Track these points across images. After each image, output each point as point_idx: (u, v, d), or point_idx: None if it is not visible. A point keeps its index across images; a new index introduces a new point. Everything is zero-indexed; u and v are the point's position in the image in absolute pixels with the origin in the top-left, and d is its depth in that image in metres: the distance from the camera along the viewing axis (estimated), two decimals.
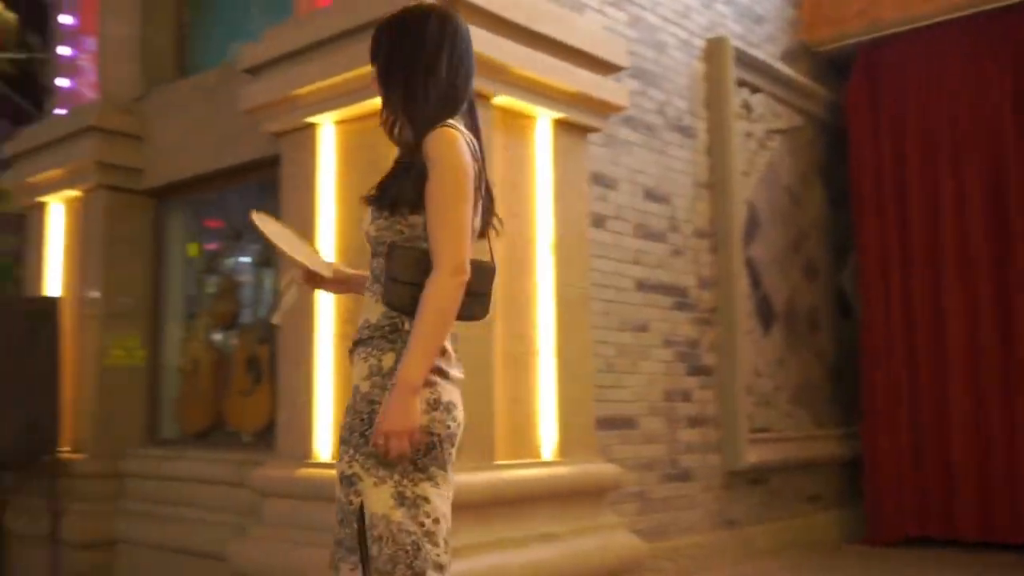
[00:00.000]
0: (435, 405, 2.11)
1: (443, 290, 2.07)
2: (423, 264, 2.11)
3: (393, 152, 2.31)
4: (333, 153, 4.44)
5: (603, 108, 4.77)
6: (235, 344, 5.55)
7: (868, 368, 7.04)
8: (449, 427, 2.13)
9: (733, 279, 6.17)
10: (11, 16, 9.90)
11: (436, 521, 2.09)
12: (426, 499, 2.08)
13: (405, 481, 2.08)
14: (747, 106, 6.59)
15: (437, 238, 2.09)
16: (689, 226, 6.03)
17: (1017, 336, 6.48)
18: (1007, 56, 6.71)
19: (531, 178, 4.46)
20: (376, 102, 2.40)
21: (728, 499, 6.04)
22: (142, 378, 5.88)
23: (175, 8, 6.43)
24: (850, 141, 7.30)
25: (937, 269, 6.81)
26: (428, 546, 2.06)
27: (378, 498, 2.08)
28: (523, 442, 4.27)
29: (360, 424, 2.12)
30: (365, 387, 2.15)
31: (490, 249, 2.30)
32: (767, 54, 6.81)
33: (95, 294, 5.80)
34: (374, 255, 2.24)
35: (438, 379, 2.12)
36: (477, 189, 2.18)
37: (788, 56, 7.12)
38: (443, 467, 2.13)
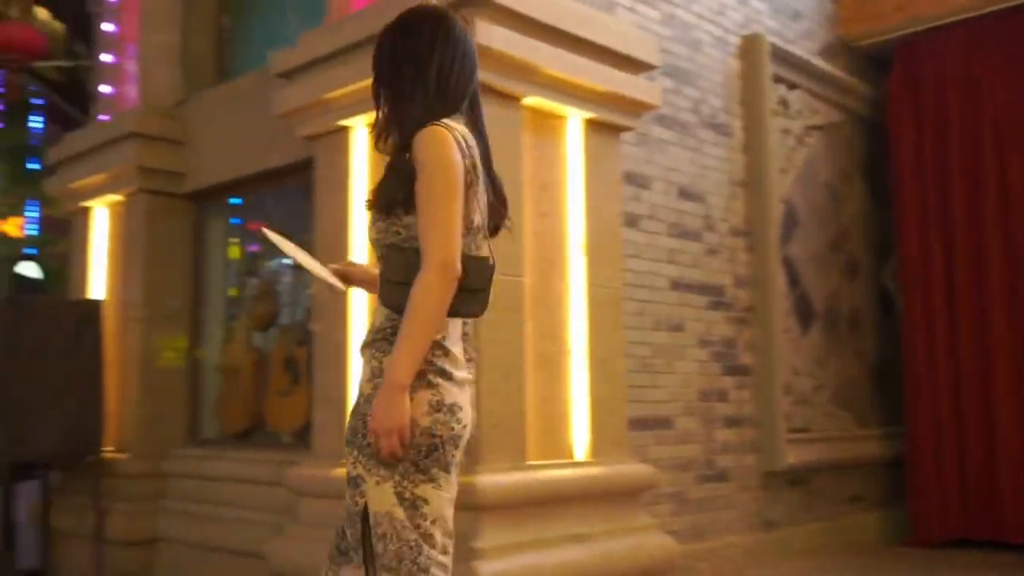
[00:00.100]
0: (438, 407, 2.11)
1: (429, 288, 2.06)
2: (415, 264, 2.11)
3: None
4: (366, 156, 4.47)
5: (635, 107, 4.74)
6: (273, 345, 5.62)
7: (910, 367, 6.93)
8: (452, 429, 2.13)
9: (770, 278, 6.12)
10: (59, 25, 10.11)
11: (434, 522, 2.09)
12: (425, 500, 2.09)
13: (405, 482, 2.09)
14: (784, 103, 6.52)
15: (425, 236, 2.10)
16: (725, 224, 5.98)
17: None
18: None
19: (562, 178, 4.46)
20: None
21: (766, 500, 5.99)
22: (184, 379, 5.99)
23: (215, 15, 6.53)
24: (890, 136, 7.19)
25: (980, 266, 6.68)
26: (426, 548, 2.08)
27: (380, 496, 2.09)
28: (555, 442, 4.27)
29: (363, 426, 2.13)
30: (368, 389, 2.17)
31: (489, 245, 2.29)
32: (804, 50, 6.74)
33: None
34: (378, 258, 2.26)
35: (441, 380, 2.12)
36: (471, 186, 2.17)
37: (826, 52, 7.03)
38: (445, 469, 2.13)
